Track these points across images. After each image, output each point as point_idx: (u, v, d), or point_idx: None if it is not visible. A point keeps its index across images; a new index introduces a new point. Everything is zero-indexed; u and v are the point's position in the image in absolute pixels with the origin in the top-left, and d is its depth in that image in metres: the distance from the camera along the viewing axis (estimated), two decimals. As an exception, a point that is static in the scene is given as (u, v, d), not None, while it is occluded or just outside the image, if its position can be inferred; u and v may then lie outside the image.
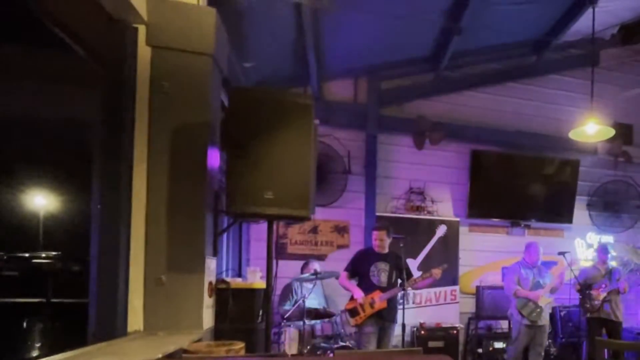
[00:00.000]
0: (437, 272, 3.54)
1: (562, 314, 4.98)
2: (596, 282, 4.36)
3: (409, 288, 3.58)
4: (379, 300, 3.45)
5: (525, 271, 4.10)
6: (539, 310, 3.99)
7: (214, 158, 2.31)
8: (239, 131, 2.10)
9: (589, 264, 5.11)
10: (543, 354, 4.14)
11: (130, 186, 2.06)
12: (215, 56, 2.22)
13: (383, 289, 3.49)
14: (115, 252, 1.99)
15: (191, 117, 2.17)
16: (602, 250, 4.51)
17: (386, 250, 3.59)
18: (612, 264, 4.52)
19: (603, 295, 4.29)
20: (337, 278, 3.77)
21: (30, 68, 2.52)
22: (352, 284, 3.56)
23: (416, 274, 3.72)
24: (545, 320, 4.07)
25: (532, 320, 4.00)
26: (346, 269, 3.64)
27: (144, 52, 2.11)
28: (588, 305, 4.32)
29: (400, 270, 3.57)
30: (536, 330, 4.06)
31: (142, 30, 2.10)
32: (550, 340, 4.69)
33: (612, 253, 4.47)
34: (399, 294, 3.54)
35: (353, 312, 3.47)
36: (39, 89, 2.58)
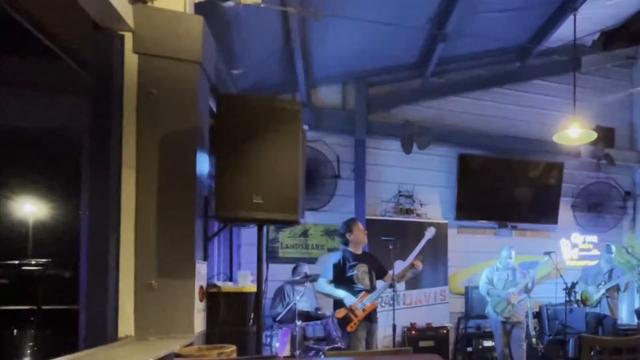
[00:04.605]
0: (417, 263, 3.50)
1: (549, 312, 5.09)
2: (597, 280, 4.49)
3: (396, 283, 3.53)
4: (368, 302, 3.45)
5: (499, 273, 4.27)
6: (510, 307, 4.14)
7: (203, 163, 2.34)
8: (228, 137, 2.13)
9: (592, 262, 5.18)
10: (525, 348, 4.25)
11: (119, 192, 2.06)
12: (203, 63, 2.25)
13: (369, 291, 3.46)
14: (105, 258, 1.99)
15: (179, 123, 2.18)
16: (607, 249, 4.61)
17: (361, 251, 3.55)
18: (614, 263, 4.65)
19: (602, 291, 4.41)
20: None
21: (18, 76, 2.53)
22: (337, 290, 3.41)
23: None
24: (520, 316, 4.21)
25: (505, 317, 4.16)
26: (324, 276, 3.46)
27: (131, 60, 2.11)
28: (574, 302, 4.47)
29: (377, 270, 3.57)
30: (512, 327, 4.20)
31: (128, 37, 2.11)
32: (537, 338, 4.81)
33: (613, 253, 4.59)
34: (389, 293, 3.56)
35: (346, 320, 3.38)
36: (27, 96, 2.59)
